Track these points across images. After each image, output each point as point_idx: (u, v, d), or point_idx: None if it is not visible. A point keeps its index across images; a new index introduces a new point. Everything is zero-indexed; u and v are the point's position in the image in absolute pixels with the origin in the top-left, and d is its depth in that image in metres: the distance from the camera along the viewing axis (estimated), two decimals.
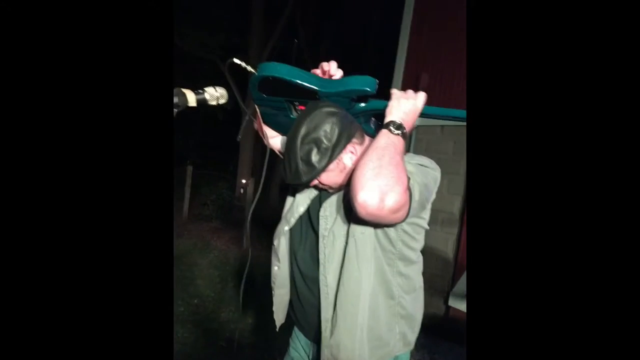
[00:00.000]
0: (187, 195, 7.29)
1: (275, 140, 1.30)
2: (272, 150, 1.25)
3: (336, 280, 1.09)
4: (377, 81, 1.03)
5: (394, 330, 1.13)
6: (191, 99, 1.01)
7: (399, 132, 0.99)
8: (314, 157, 1.02)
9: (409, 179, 0.94)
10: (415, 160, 1.06)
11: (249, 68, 1.05)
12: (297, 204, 1.24)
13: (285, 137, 1.18)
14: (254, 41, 8.04)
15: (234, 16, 8.56)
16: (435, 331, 3.38)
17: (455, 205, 3.84)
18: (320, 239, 1.11)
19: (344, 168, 1.07)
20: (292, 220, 1.24)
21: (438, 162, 1.14)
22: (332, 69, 1.10)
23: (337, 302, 1.08)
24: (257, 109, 1.18)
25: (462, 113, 1.06)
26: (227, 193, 7.92)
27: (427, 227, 1.12)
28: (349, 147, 1.06)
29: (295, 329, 1.35)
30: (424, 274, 1.21)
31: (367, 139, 1.12)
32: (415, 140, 4.17)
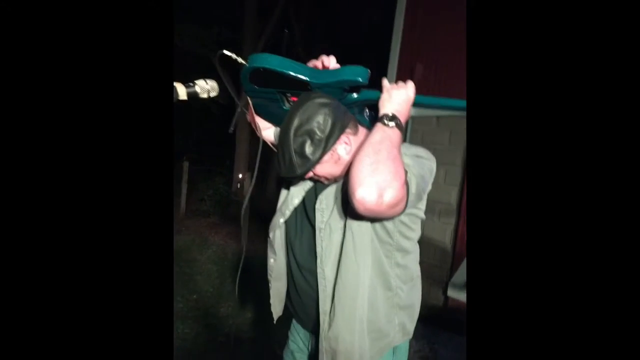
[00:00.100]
0: (184, 191, 7.27)
1: (268, 132, 1.29)
2: (265, 143, 1.24)
3: (334, 273, 1.09)
4: (369, 71, 1.02)
5: (393, 321, 1.13)
6: (182, 92, 1.00)
7: (393, 123, 0.98)
8: (308, 149, 1.01)
9: (406, 172, 0.94)
10: (411, 152, 1.06)
11: (240, 59, 1.04)
12: (292, 196, 1.23)
13: (278, 129, 1.17)
14: (247, 35, 7.99)
15: (227, 11, 8.51)
16: (434, 321, 3.39)
17: (453, 195, 3.84)
18: (317, 232, 1.11)
19: (339, 159, 1.06)
20: (287, 213, 1.24)
21: (434, 152, 1.13)
22: (332, 64, 1.09)
23: (335, 295, 1.08)
24: (249, 101, 1.17)
25: (458, 102, 1.05)
26: (224, 188, 7.91)
27: (423, 216, 1.12)
28: (343, 137, 1.05)
29: (294, 321, 1.35)
30: (422, 264, 1.21)
31: (361, 129, 1.11)
32: (411, 131, 4.16)
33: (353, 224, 1.05)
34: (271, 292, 1.37)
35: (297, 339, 1.33)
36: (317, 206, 1.12)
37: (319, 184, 1.16)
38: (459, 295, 3.54)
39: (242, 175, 7.71)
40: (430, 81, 4.07)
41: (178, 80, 1.01)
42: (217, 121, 9.93)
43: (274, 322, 1.42)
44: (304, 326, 1.28)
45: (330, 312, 1.10)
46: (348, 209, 1.03)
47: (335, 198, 1.10)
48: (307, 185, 1.21)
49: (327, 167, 1.07)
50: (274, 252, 1.30)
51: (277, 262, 1.31)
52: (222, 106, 9.09)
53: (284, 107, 1.14)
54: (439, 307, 3.85)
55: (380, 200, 0.87)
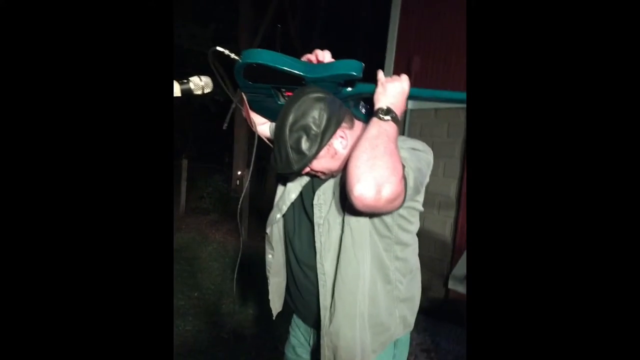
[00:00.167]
0: (184, 189, 7.28)
1: (263, 127, 1.29)
2: (260, 139, 1.23)
3: (333, 268, 1.08)
4: (363, 65, 1.01)
5: (394, 314, 1.13)
6: (176, 89, 1.00)
7: (389, 117, 0.98)
8: (304, 145, 1.00)
9: (403, 166, 0.94)
10: (408, 145, 1.05)
11: (233, 55, 1.03)
12: (289, 191, 1.23)
13: (274, 124, 1.16)
14: (243, 32, 7.96)
15: (222, 7, 8.47)
16: (435, 314, 3.40)
17: (452, 188, 3.84)
18: (316, 228, 1.11)
19: (335, 153, 1.06)
20: (284, 208, 1.23)
21: (433, 145, 1.13)
22: (327, 59, 1.09)
23: (335, 290, 1.08)
24: (244, 97, 1.17)
25: (456, 95, 1.05)
26: (224, 185, 7.92)
27: (421, 209, 1.12)
28: (339, 132, 1.05)
29: (295, 316, 1.35)
30: (422, 257, 1.21)
31: (357, 123, 1.11)
32: (409, 124, 4.16)
33: (351, 219, 1.05)
34: (270, 287, 1.36)
35: (298, 334, 1.33)
36: (314, 202, 1.12)
37: (316, 179, 1.16)
38: (460, 288, 3.55)
39: (241, 172, 7.70)
40: (427, 73, 4.06)
41: (176, 79, 1.01)
42: (215, 118, 9.93)
43: (274, 318, 1.43)
44: (304, 321, 1.28)
45: (330, 307, 1.09)
46: (346, 204, 1.03)
47: (333, 193, 1.09)
48: (304, 180, 1.21)
49: (323, 162, 1.06)
50: (272, 248, 1.30)
51: (275, 258, 1.31)
52: (219, 103, 9.08)
53: (279, 102, 1.14)
54: (440, 299, 3.86)
55: (379, 196, 0.87)
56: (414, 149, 1.05)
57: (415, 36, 4.26)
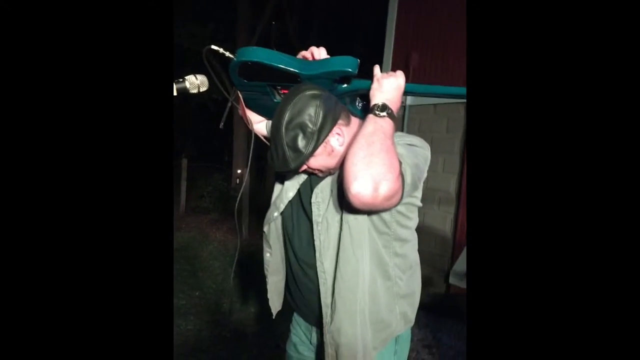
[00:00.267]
0: (184, 188, 7.28)
1: (260, 125, 1.28)
2: (257, 137, 1.23)
3: (333, 266, 1.08)
4: (359, 61, 1.01)
5: (395, 311, 1.13)
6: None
7: (385, 113, 0.97)
8: (301, 143, 1.00)
9: (400, 163, 0.93)
10: (405, 141, 1.05)
11: (227, 54, 1.03)
12: (286, 190, 1.23)
13: (270, 122, 1.16)
14: (241, 30, 7.95)
15: (221, 7, 8.46)
16: (436, 310, 3.41)
17: (452, 184, 3.84)
18: (315, 226, 1.10)
19: (332, 151, 1.05)
20: (282, 206, 1.23)
21: (432, 141, 1.13)
22: (322, 55, 1.08)
23: (336, 288, 1.08)
24: (240, 95, 1.16)
25: (455, 90, 1.04)
26: (223, 184, 7.92)
27: (420, 204, 1.12)
28: (335, 129, 1.04)
29: (295, 314, 1.35)
30: (423, 253, 1.21)
31: (353, 120, 1.10)
32: (408, 120, 4.15)
33: (349, 216, 1.04)
34: (268, 286, 1.36)
35: (299, 332, 1.33)
36: (312, 200, 1.11)
37: (314, 177, 1.15)
38: (461, 283, 3.55)
39: (241, 171, 7.70)
40: (425, 70, 4.05)
41: (175, 78, 1.01)
42: (214, 117, 9.92)
43: (273, 317, 1.42)
44: (305, 319, 1.28)
45: (331, 304, 1.09)
46: (344, 201, 1.02)
47: (331, 191, 1.09)
48: (301, 178, 1.21)
49: (320, 160, 1.06)
50: (269, 246, 1.30)
51: (273, 256, 1.31)
52: (218, 102, 9.07)
53: (275, 100, 1.13)
54: (441, 295, 3.87)
55: (376, 194, 0.87)
56: (410, 144, 1.04)
57: (413, 33, 4.25)
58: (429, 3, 4.14)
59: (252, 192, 6.89)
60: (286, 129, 1.00)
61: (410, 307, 1.18)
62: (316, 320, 1.19)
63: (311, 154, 1.02)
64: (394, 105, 1.00)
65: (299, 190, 1.21)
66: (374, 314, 1.09)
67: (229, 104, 1.17)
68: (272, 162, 1.05)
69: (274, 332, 2.83)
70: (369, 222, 1.05)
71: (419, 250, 1.22)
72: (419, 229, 1.18)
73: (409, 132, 3.99)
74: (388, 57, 4.41)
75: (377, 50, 4.55)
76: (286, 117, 1.00)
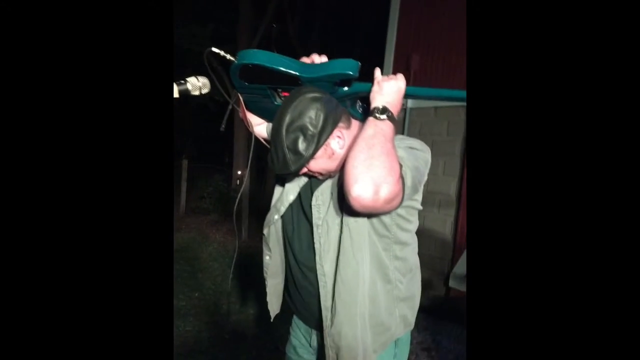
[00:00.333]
0: (184, 189, 7.28)
1: (260, 127, 1.28)
2: (257, 140, 1.23)
3: (333, 269, 1.08)
4: (359, 64, 1.01)
5: (394, 314, 1.13)
6: (174, 90, 0.99)
7: (385, 116, 0.97)
8: (301, 145, 1.00)
9: (400, 166, 0.93)
10: (405, 144, 1.05)
11: (228, 56, 1.03)
12: (287, 192, 1.23)
13: (270, 124, 1.16)
14: (243, 32, 7.96)
15: (222, 7, 8.47)
16: (436, 313, 3.40)
17: (452, 186, 3.84)
18: (315, 229, 1.10)
19: (332, 154, 1.05)
20: (282, 209, 1.23)
21: (433, 143, 1.13)
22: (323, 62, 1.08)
23: (336, 291, 1.07)
24: (240, 97, 1.16)
25: (455, 93, 1.04)
26: (224, 185, 7.92)
27: (420, 207, 1.12)
28: (336, 132, 1.04)
29: (295, 317, 1.35)
30: (423, 255, 1.20)
31: (354, 122, 1.10)
32: (409, 122, 4.15)
33: (350, 219, 1.04)
34: (267, 289, 1.36)
35: (299, 335, 1.33)
36: (313, 203, 1.11)
37: (314, 180, 1.15)
38: (460, 286, 3.55)
39: (241, 172, 7.70)
40: (426, 72, 4.06)
41: (176, 79, 1.01)
42: (215, 118, 9.93)
43: (271, 320, 1.42)
44: (305, 322, 1.28)
45: (332, 308, 1.09)
46: (344, 204, 1.02)
47: (331, 194, 1.09)
48: (302, 181, 1.20)
49: (321, 163, 1.06)
50: (269, 249, 1.30)
51: (272, 259, 1.30)
52: (219, 103, 9.07)
53: (276, 103, 1.13)
54: (441, 298, 3.86)
55: (377, 197, 0.87)
56: (411, 147, 1.04)
57: (415, 34, 4.26)
58: (430, 5, 4.14)
59: (252, 193, 6.89)
60: (287, 131, 1.00)
61: (410, 310, 1.17)
62: (316, 323, 1.19)
63: (311, 156, 1.01)
64: (395, 108, 1.00)
65: (299, 193, 1.20)
66: (373, 317, 1.08)
67: (230, 107, 1.17)
68: (273, 164, 1.05)
69: (273, 334, 2.83)
70: (369, 225, 1.05)
71: (419, 253, 1.22)
72: (419, 232, 1.18)
73: (410, 134, 3.99)
74: (389, 59, 4.41)
75: (378, 52, 4.55)
76: (287, 119, 1.00)
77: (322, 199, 1.10)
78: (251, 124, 1.24)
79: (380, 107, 0.98)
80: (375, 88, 1.03)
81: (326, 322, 1.11)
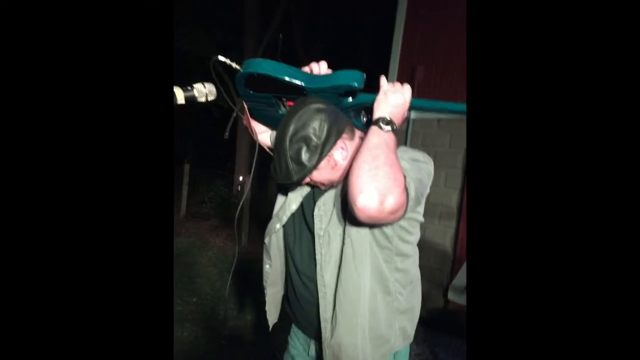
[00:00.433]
0: (185, 193, 7.29)
1: (264, 135, 1.28)
2: (261, 147, 1.23)
3: (334, 280, 1.08)
4: (365, 75, 1.01)
5: (394, 326, 1.12)
6: (180, 96, 1.00)
7: (389, 127, 0.97)
8: (304, 156, 1.00)
9: (405, 177, 0.93)
10: (408, 155, 1.05)
11: (235, 65, 1.04)
12: (289, 202, 1.22)
13: (274, 132, 1.16)
14: (248, 38, 8.00)
15: (228, 14, 8.52)
16: (434, 325, 3.38)
17: (453, 198, 3.83)
18: (316, 239, 1.10)
19: (335, 165, 1.05)
20: (284, 218, 1.23)
21: (435, 155, 1.13)
22: (322, 70, 1.09)
23: (336, 302, 1.07)
24: (245, 105, 1.17)
25: (459, 106, 1.05)
26: (225, 190, 7.92)
27: (422, 219, 1.11)
28: (339, 143, 1.04)
29: (294, 326, 1.34)
30: (422, 267, 1.20)
31: (357, 133, 1.10)
32: (411, 134, 4.16)
33: (352, 230, 1.04)
34: (267, 298, 1.36)
35: (297, 344, 1.33)
36: (315, 213, 1.11)
37: (317, 190, 1.15)
38: (460, 299, 3.53)
39: (243, 178, 7.71)
40: (430, 84, 4.07)
41: (178, 84, 1.01)
42: (219, 124, 9.96)
43: (269, 329, 1.42)
44: (304, 332, 1.27)
45: (332, 319, 1.09)
46: (347, 215, 1.02)
47: (334, 204, 1.09)
48: (304, 190, 1.20)
49: (324, 173, 1.06)
50: (270, 258, 1.30)
51: (272, 268, 1.30)
52: (223, 109, 9.10)
53: (280, 112, 1.14)
54: (440, 310, 3.84)
55: (382, 207, 0.86)
56: (414, 159, 1.04)
57: (420, 46, 4.27)
58: (436, 17, 4.16)
59: (253, 199, 6.89)
60: (290, 141, 1.00)
61: (409, 323, 1.17)
62: (315, 334, 1.18)
63: (314, 167, 1.02)
64: (397, 120, 1.00)
65: (301, 203, 1.20)
66: (373, 329, 1.08)
67: (234, 114, 1.18)
68: (275, 174, 1.05)
69: (271, 342, 2.81)
70: (371, 236, 1.05)
71: (419, 265, 1.21)
72: (419, 244, 1.17)
73: (413, 146, 4.00)
74: (394, 70, 4.43)
75: (383, 62, 4.57)
76: (291, 129, 1.00)
77: (325, 209, 1.10)
78: (255, 132, 1.24)
79: (387, 118, 0.98)
80: (380, 96, 1.02)
81: (325, 333, 1.10)
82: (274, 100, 1.11)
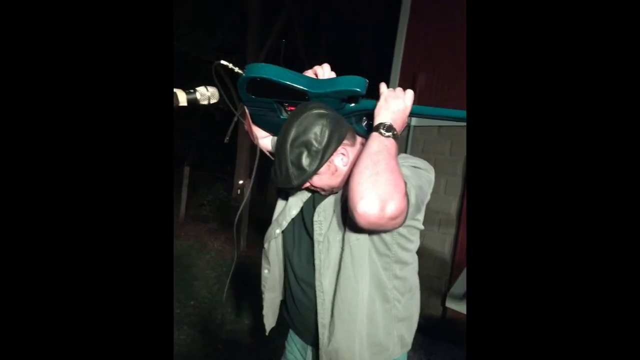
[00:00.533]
0: (184, 196, 7.27)
1: (265, 140, 1.28)
2: (262, 152, 1.23)
3: (332, 286, 1.07)
4: (367, 81, 1.01)
5: (392, 334, 1.12)
6: (182, 98, 1.00)
7: (390, 134, 0.97)
8: (305, 161, 1.00)
9: (405, 183, 0.93)
10: (409, 162, 1.05)
11: (237, 69, 1.04)
12: (289, 207, 1.22)
13: (275, 138, 1.16)
14: (251, 41, 8.03)
15: (230, 16, 8.56)
16: (432, 332, 3.37)
17: (453, 206, 3.84)
18: (316, 245, 1.10)
19: (336, 170, 1.05)
20: (284, 224, 1.23)
21: (435, 162, 1.13)
22: (326, 73, 1.09)
23: (334, 309, 1.07)
24: (246, 110, 1.17)
25: (460, 113, 1.05)
26: (224, 194, 7.91)
27: (422, 227, 1.11)
28: (340, 149, 1.04)
29: (291, 331, 1.34)
30: (421, 274, 1.20)
31: (358, 139, 1.10)
32: (412, 141, 4.16)
33: (351, 236, 1.04)
34: (264, 303, 1.35)
35: (294, 350, 1.32)
36: (315, 219, 1.11)
37: (317, 195, 1.15)
38: (458, 307, 3.52)
39: (243, 182, 7.71)
40: (431, 91, 4.08)
41: (180, 86, 1.01)
42: (219, 127, 9.97)
43: (267, 333, 1.41)
44: (301, 337, 1.27)
45: (329, 325, 1.08)
46: (346, 221, 1.02)
47: (334, 210, 1.09)
48: (304, 195, 1.20)
49: (324, 179, 1.06)
50: (268, 263, 1.29)
51: (271, 273, 1.30)
52: (224, 112, 9.12)
53: (282, 117, 1.14)
54: (437, 318, 3.83)
55: (383, 213, 0.86)
56: (415, 167, 1.04)
57: (421, 53, 4.29)
58: (438, 25, 4.18)
59: (253, 202, 6.88)
60: (291, 146, 1.00)
61: (407, 331, 1.16)
62: (312, 339, 1.18)
63: (315, 172, 1.02)
64: (398, 127, 1.00)
65: (301, 208, 1.20)
66: (371, 336, 1.07)
67: (235, 119, 1.18)
68: (276, 178, 1.05)
69: (268, 346, 2.80)
70: (370, 243, 1.04)
71: (417, 272, 1.21)
72: (418, 251, 1.17)
73: (413, 152, 4.01)
74: (395, 76, 4.44)
75: (385, 69, 4.59)
76: (292, 134, 1.00)
77: (324, 215, 1.10)
78: (256, 136, 1.24)
79: (388, 124, 0.98)
80: (381, 102, 1.02)
81: (323, 339, 1.10)
82: (275, 105, 1.11)
